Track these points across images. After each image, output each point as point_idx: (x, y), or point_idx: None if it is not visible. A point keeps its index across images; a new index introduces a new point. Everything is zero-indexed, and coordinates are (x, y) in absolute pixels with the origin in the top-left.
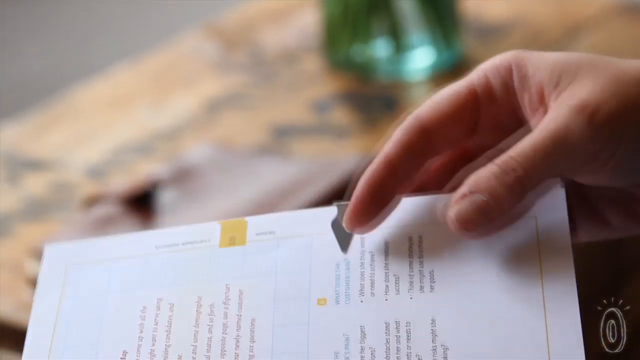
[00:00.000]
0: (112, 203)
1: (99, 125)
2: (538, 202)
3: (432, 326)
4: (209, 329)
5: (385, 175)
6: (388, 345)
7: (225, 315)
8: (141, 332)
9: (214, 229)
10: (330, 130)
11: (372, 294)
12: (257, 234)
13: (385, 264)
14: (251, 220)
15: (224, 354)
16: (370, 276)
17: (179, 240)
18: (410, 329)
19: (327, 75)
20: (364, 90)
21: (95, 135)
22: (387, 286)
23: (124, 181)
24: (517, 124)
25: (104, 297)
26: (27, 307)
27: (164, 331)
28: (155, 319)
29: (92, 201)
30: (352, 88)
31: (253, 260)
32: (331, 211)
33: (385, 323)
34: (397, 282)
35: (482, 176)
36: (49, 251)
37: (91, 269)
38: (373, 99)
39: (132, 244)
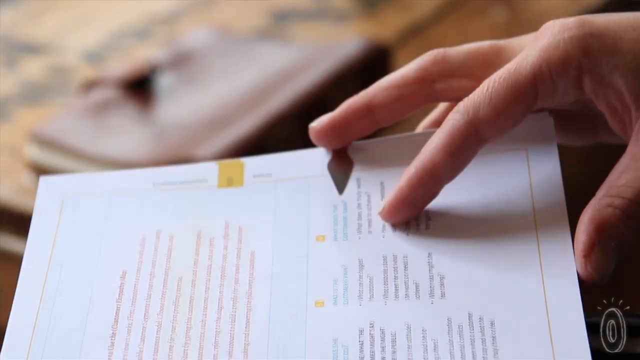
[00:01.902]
0: (111, 87)
1: (96, 9)
2: (528, 134)
3: (428, 259)
4: (209, 257)
5: (429, 182)
6: (386, 274)
7: (225, 247)
8: (141, 256)
9: (211, 169)
10: (330, 15)
11: (370, 232)
12: (254, 176)
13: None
14: (247, 161)
15: (224, 277)
16: (367, 216)
17: (176, 179)
18: (407, 261)
19: None
20: None
21: (93, 19)
22: (384, 225)
23: (122, 65)
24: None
25: (101, 227)
26: (27, 191)
27: (164, 257)
28: (154, 247)
29: (90, 85)
30: None
31: (251, 200)
32: (326, 152)
33: (383, 256)
34: None
35: (607, 222)
36: (43, 183)
37: (88, 201)
38: None
39: (129, 180)
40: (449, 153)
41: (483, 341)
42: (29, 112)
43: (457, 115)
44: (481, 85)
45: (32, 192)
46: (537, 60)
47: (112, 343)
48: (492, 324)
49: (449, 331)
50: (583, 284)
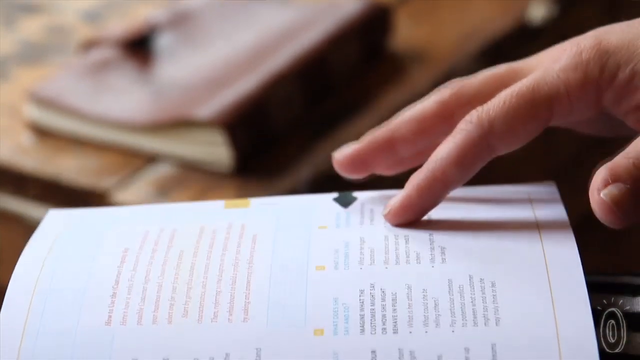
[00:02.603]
0: (110, 47)
1: None
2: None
3: (430, 236)
4: (211, 238)
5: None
6: (387, 248)
7: (228, 232)
8: (143, 240)
9: (218, 204)
10: None
11: (372, 223)
12: (260, 204)
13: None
14: (254, 199)
15: (226, 250)
16: (370, 213)
17: (183, 207)
18: (408, 238)
19: None
20: None
21: None
22: (386, 222)
23: (122, 25)
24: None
25: (105, 224)
26: (26, 151)
27: (166, 239)
28: (157, 235)
29: (89, 45)
30: None
31: (257, 213)
32: (332, 195)
33: (385, 236)
34: None
35: (620, 165)
36: (50, 214)
37: (94, 218)
38: None
39: (139, 212)
40: (462, 164)
41: (484, 299)
42: (27, 71)
43: (470, 127)
44: (497, 98)
45: (31, 152)
46: (556, 82)
47: (113, 302)
48: (493, 284)
49: (450, 291)
50: (607, 224)
